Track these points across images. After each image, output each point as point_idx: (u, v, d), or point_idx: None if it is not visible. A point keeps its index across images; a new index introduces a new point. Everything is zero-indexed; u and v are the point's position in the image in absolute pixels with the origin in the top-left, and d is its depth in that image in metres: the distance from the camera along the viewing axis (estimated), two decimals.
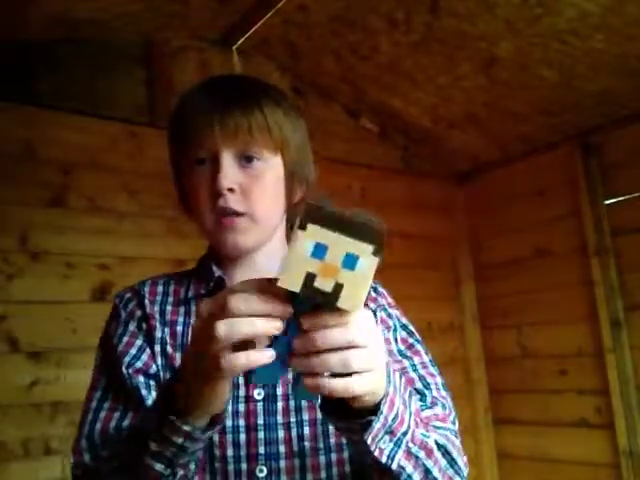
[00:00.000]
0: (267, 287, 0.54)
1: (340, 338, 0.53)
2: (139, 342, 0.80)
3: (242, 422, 0.75)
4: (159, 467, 0.61)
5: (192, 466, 0.65)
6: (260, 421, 0.76)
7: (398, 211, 2.76)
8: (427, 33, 2.09)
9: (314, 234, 0.51)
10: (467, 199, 3.04)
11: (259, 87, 0.84)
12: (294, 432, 0.76)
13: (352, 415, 0.60)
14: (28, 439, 1.72)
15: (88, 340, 1.77)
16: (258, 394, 0.77)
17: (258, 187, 0.78)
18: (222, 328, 0.52)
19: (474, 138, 2.73)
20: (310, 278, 0.50)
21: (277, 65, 2.46)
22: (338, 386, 0.53)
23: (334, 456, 0.77)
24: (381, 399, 0.59)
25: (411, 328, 0.90)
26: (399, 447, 0.63)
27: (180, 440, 0.60)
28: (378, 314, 0.87)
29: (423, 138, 2.81)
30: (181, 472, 0.63)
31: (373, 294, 0.91)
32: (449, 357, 2.83)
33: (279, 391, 0.77)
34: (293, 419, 0.76)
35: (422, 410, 0.76)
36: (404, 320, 0.91)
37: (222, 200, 0.76)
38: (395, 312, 0.91)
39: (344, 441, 0.77)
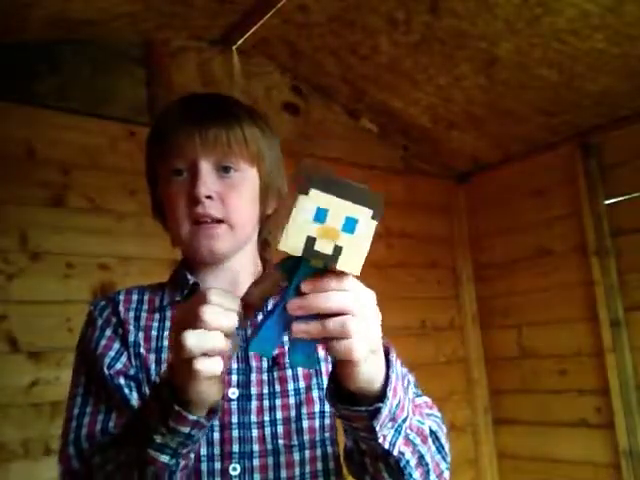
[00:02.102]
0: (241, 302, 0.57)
1: (339, 301, 0.54)
2: (117, 345, 0.81)
3: (216, 421, 0.75)
4: (164, 458, 0.62)
5: (192, 455, 0.66)
6: (234, 420, 0.77)
7: (398, 211, 2.76)
8: (427, 33, 2.09)
9: (316, 198, 0.52)
10: (467, 199, 3.04)
11: (238, 105, 0.89)
12: (268, 430, 0.77)
13: (353, 403, 0.61)
14: (28, 439, 1.71)
15: None
16: (232, 393, 0.78)
17: (235, 195, 0.82)
18: (190, 340, 0.55)
19: (474, 138, 2.73)
20: (310, 242, 0.51)
21: (277, 65, 2.46)
22: (339, 346, 0.54)
23: (307, 453, 0.78)
24: (386, 386, 0.60)
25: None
26: (399, 433, 0.64)
27: (187, 429, 0.61)
28: None
29: (423, 138, 2.81)
30: (183, 462, 0.64)
31: None
32: (449, 357, 2.83)
33: (253, 390, 0.79)
34: (267, 418, 0.78)
35: (416, 397, 0.80)
36: None
37: (200, 207, 0.79)
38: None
39: (317, 438, 0.79)
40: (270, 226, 0.93)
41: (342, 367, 0.58)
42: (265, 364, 0.81)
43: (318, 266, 0.54)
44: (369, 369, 0.59)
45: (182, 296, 0.84)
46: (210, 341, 0.55)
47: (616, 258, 2.43)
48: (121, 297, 0.87)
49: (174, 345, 0.57)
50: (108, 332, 0.83)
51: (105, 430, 0.74)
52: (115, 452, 0.68)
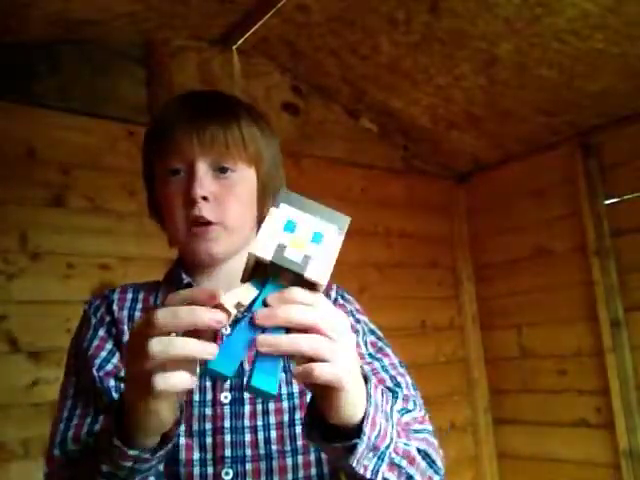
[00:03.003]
0: (201, 296, 0.53)
1: (308, 315, 0.52)
2: (109, 346, 0.81)
3: (209, 425, 0.75)
4: None
5: (152, 478, 0.64)
6: (227, 424, 0.76)
7: (398, 211, 2.76)
8: (427, 33, 2.09)
9: (286, 211, 0.56)
10: (467, 199, 3.04)
11: (237, 104, 0.87)
12: (261, 435, 0.76)
13: (333, 435, 0.59)
14: (28, 439, 1.71)
15: None
16: (225, 397, 0.77)
17: (231, 197, 0.80)
18: (153, 347, 0.51)
19: (474, 138, 2.73)
20: (281, 248, 0.54)
21: (277, 65, 2.46)
22: (323, 369, 0.52)
23: (301, 458, 0.77)
24: (362, 419, 0.59)
25: (379, 333, 0.92)
26: (382, 460, 0.63)
27: (129, 464, 0.58)
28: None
29: (423, 138, 2.81)
30: None
31: (341, 301, 0.92)
32: (449, 357, 2.83)
33: (246, 394, 0.77)
34: (260, 422, 0.77)
35: (402, 416, 0.76)
36: (372, 326, 0.93)
37: (196, 209, 0.78)
38: (363, 318, 0.92)
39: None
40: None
41: (326, 397, 0.56)
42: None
43: (284, 284, 0.54)
44: (354, 399, 0.57)
45: None
46: (178, 346, 0.51)
47: (616, 258, 2.43)
48: (115, 296, 0.85)
49: (132, 355, 0.53)
50: (101, 332, 0.82)
51: (91, 433, 0.73)
52: (78, 469, 0.67)
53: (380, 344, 0.89)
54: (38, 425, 1.73)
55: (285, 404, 0.79)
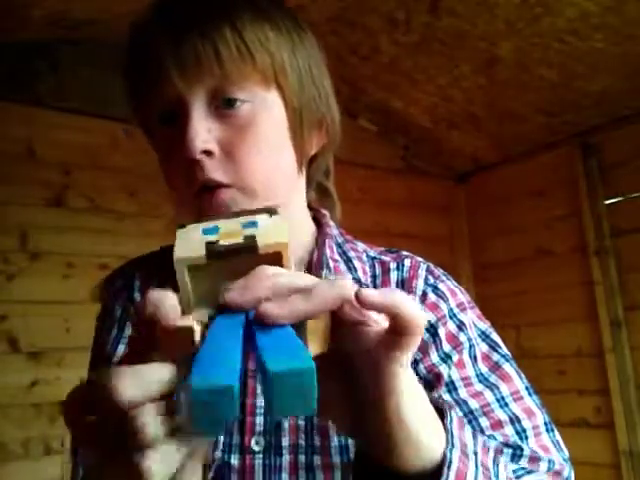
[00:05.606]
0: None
1: (282, 278, 0.36)
2: None
3: (235, 476, 0.55)
4: None
5: None
6: None
7: (398, 211, 2.76)
8: (427, 33, 2.09)
9: (196, 225, 0.41)
10: (467, 199, 3.04)
11: None
12: None
13: None
14: (28, 439, 1.71)
15: (88, 340, 1.77)
16: (256, 443, 0.56)
17: (247, 142, 0.54)
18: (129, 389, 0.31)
19: (474, 138, 2.73)
20: (212, 244, 0.38)
21: None
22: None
23: None
24: (439, 466, 0.38)
25: (494, 337, 0.63)
26: None
27: None
28: (441, 329, 0.61)
29: (423, 138, 2.81)
30: None
31: (433, 297, 0.63)
32: None
33: (285, 441, 0.55)
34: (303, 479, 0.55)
35: (518, 477, 0.52)
36: (483, 325, 0.64)
37: (198, 171, 0.53)
38: (469, 316, 0.63)
39: None
40: (320, 169, 0.66)
41: (373, 420, 0.37)
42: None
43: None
44: (414, 408, 0.37)
45: None
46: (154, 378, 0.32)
47: (616, 258, 2.43)
48: (137, 282, 0.66)
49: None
50: (127, 330, 0.63)
51: None
52: None
53: (496, 357, 0.61)
54: (38, 425, 1.73)
55: (336, 459, 0.55)
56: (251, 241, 0.38)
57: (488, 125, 2.60)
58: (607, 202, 2.48)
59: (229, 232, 0.39)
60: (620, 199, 2.46)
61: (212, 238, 0.39)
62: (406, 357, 0.36)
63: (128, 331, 0.62)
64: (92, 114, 1.98)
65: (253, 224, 0.40)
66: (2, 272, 1.76)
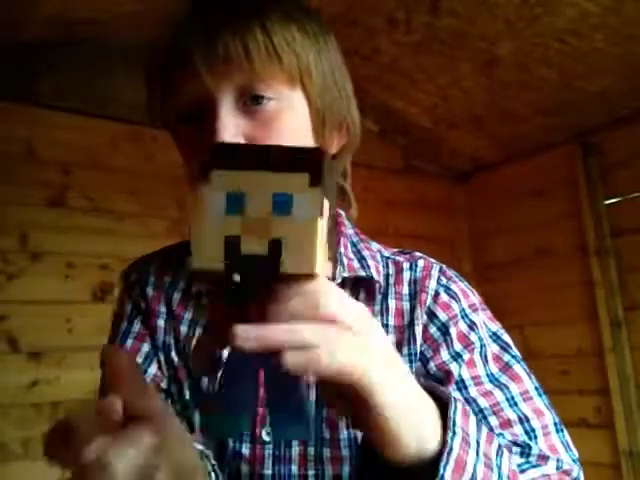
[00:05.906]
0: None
1: (302, 306, 0.35)
2: (146, 348, 0.64)
3: (245, 469, 0.57)
4: None
5: None
6: (268, 471, 0.57)
7: (398, 211, 2.76)
8: (427, 33, 2.09)
9: (222, 182, 0.36)
10: (467, 199, 3.04)
11: None
12: None
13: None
14: (28, 439, 1.71)
15: (88, 340, 1.77)
16: (267, 434, 0.57)
17: (271, 138, 0.56)
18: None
19: (474, 138, 2.73)
20: (233, 244, 0.35)
21: None
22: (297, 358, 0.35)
23: None
24: (438, 455, 0.40)
25: (505, 338, 0.66)
26: None
27: None
28: (453, 328, 0.62)
29: (423, 138, 2.81)
30: None
31: (444, 297, 0.64)
32: None
33: None
34: (312, 471, 0.57)
35: (523, 471, 0.52)
36: (494, 326, 0.67)
37: None
38: (481, 318, 0.65)
39: None
40: (338, 169, 0.68)
41: (360, 414, 0.39)
42: (312, 395, 0.59)
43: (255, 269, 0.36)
44: (405, 416, 0.39)
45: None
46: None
47: (616, 258, 2.43)
48: (152, 277, 0.67)
49: None
50: (137, 326, 0.64)
51: None
52: None
53: (507, 358, 0.63)
54: (38, 425, 1.73)
55: (345, 452, 0.57)
56: (273, 262, 0.35)
57: (488, 125, 2.60)
58: (607, 202, 2.48)
59: (255, 220, 0.35)
60: (620, 199, 2.46)
61: (233, 227, 0.35)
62: (363, 374, 0.37)
63: (137, 326, 0.64)
64: (92, 114, 1.98)
65: (288, 203, 0.35)
66: (2, 272, 1.76)
